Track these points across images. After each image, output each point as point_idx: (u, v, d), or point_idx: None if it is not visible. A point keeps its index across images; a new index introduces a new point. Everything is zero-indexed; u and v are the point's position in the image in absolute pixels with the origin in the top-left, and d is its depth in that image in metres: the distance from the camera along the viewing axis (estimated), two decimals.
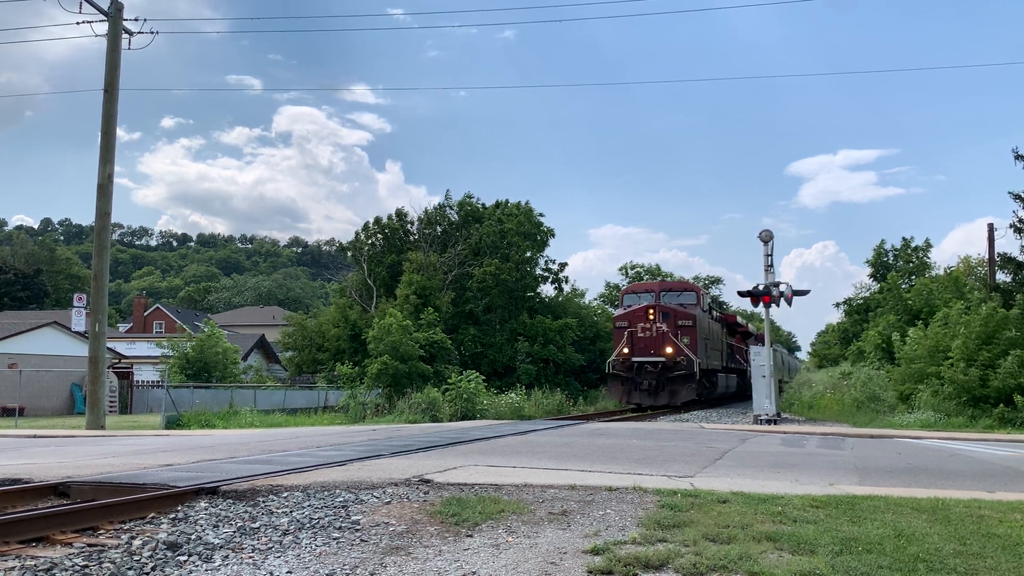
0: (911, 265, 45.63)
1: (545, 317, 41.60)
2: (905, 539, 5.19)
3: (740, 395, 40.14)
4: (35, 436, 16.71)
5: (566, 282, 47.21)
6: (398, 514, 6.01)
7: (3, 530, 5.00)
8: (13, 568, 4.41)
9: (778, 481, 8.05)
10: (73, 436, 16.62)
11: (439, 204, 45.94)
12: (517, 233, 42.82)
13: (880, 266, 46.60)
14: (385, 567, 4.52)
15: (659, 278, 57.98)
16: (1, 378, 32.88)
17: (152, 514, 5.96)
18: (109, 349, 30.45)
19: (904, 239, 47.06)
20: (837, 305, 54.02)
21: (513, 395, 27.66)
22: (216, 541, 5.19)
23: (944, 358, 21.86)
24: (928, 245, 46.26)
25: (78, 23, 20.65)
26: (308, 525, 5.67)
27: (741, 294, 21.43)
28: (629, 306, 30.12)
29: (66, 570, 4.43)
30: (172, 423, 22.09)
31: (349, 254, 47.43)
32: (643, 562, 4.51)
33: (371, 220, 45.94)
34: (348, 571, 4.45)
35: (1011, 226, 27.08)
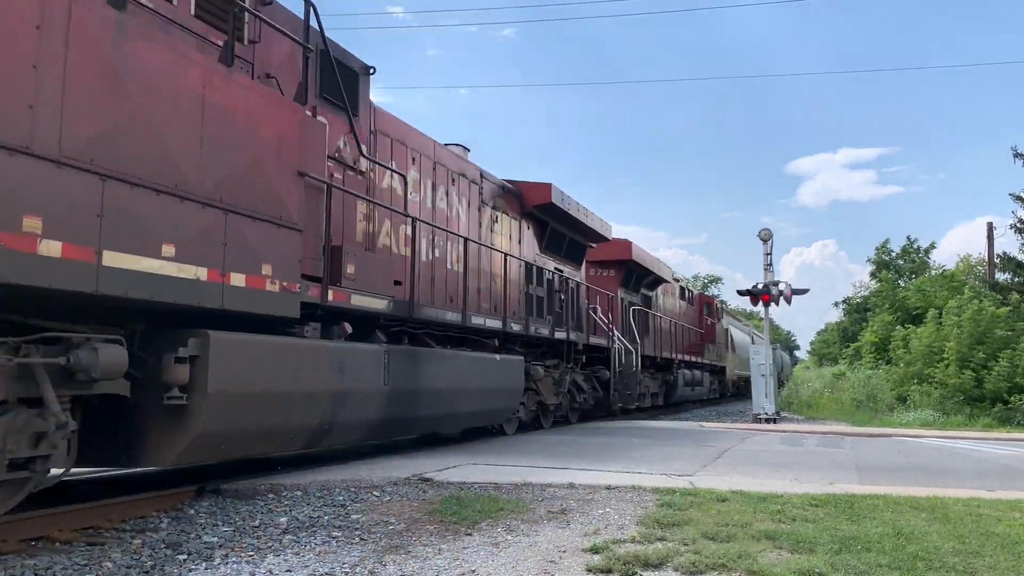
0: (913, 264, 45.69)
1: None
2: (904, 538, 5.20)
3: (594, 412, 17.23)
4: None
5: None
6: (397, 513, 6.01)
7: (2, 529, 4.99)
8: (13, 567, 4.41)
9: (777, 480, 8.05)
10: None
11: None
12: None
13: (881, 265, 46.62)
14: (384, 565, 4.53)
15: None
16: None
17: (152, 513, 5.96)
18: None
19: (908, 238, 47.15)
20: (836, 304, 54.06)
21: None
22: (215, 540, 5.19)
23: (939, 359, 21.94)
24: (932, 246, 46.41)
25: None
26: (307, 524, 5.67)
27: (740, 293, 21.41)
28: None
29: (66, 569, 4.43)
30: None
31: None
32: (642, 560, 4.51)
33: None
34: (347, 570, 4.45)
35: (1011, 226, 27.15)
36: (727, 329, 35.15)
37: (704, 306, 31.35)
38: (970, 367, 20.62)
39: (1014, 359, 19.72)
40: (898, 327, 27.40)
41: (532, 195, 14.24)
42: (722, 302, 48.41)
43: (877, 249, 47.75)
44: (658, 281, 23.40)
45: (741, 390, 39.36)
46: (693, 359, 26.91)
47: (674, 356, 24.05)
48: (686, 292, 29.31)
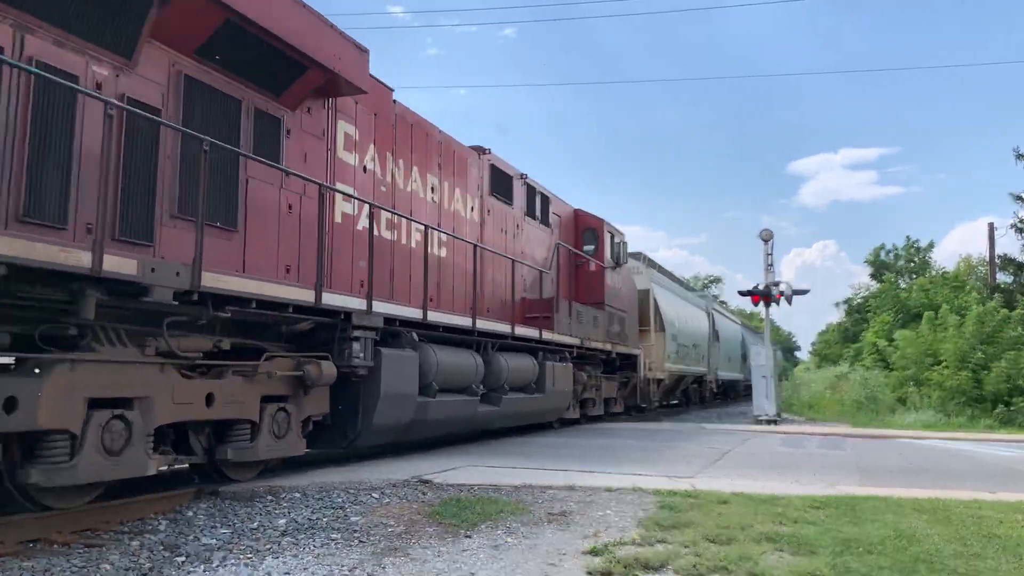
0: (912, 264, 45.67)
1: None
2: (906, 540, 5.18)
3: None
4: None
5: None
6: (396, 515, 5.99)
7: (0, 531, 4.98)
8: (11, 569, 4.40)
9: (778, 481, 8.03)
10: None
11: None
12: None
13: (879, 266, 46.61)
14: (383, 568, 4.51)
15: None
16: None
17: (150, 515, 5.94)
18: None
19: (907, 238, 47.15)
20: (837, 305, 54.04)
21: None
22: (214, 542, 5.17)
23: (935, 362, 21.94)
24: (931, 245, 46.42)
25: None
26: (306, 526, 5.65)
27: (741, 293, 21.40)
28: None
29: (64, 571, 4.42)
30: None
31: None
32: (643, 563, 4.49)
33: None
34: (346, 572, 4.43)
35: (1012, 226, 27.21)
36: (648, 292, 20.95)
37: (585, 234, 16.54)
38: (969, 367, 20.60)
39: (1018, 360, 19.70)
40: (898, 329, 27.31)
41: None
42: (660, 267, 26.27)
43: (873, 251, 47.75)
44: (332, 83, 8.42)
45: (691, 397, 27.51)
46: (507, 331, 11.98)
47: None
48: (519, 186, 13.99)
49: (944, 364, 21.33)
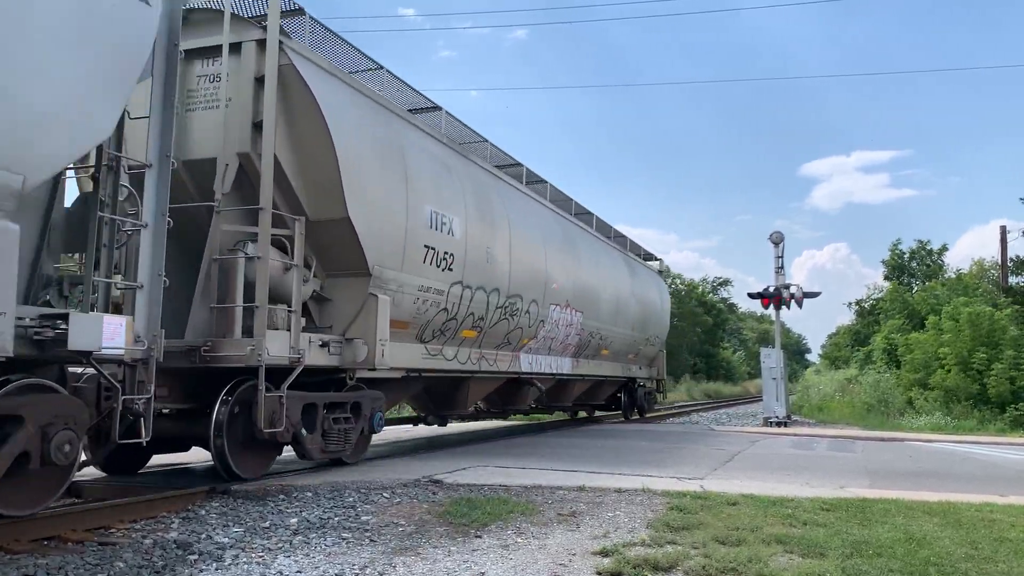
0: (927, 267, 45.36)
1: None
2: (916, 543, 5.17)
3: None
4: None
5: None
6: (407, 514, 6.02)
7: (15, 529, 5.03)
8: (26, 566, 4.44)
9: (788, 483, 8.02)
10: None
11: None
12: None
13: (896, 267, 46.26)
14: (394, 567, 4.53)
15: None
16: None
17: (163, 513, 5.99)
18: None
19: (919, 241, 46.74)
20: (848, 304, 53.69)
21: None
22: (226, 540, 5.21)
23: (940, 365, 21.88)
24: (944, 248, 46.01)
25: None
26: (318, 525, 5.69)
27: (751, 296, 21.34)
28: None
29: (77, 568, 4.46)
30: None
31: None
32: (652, 564, 4.51)
33: None
34: (357, 571, 4.46)
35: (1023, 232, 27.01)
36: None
37: None
38: (973, 368, 20.49)
39: (1018, 361, 19.57)
40: (913, 333, 27.13)
41: None
42: None
43: (890, 250, 47.19)
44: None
45: None
46: None
47: None
48: None
49: (945, 367, 21.27)
